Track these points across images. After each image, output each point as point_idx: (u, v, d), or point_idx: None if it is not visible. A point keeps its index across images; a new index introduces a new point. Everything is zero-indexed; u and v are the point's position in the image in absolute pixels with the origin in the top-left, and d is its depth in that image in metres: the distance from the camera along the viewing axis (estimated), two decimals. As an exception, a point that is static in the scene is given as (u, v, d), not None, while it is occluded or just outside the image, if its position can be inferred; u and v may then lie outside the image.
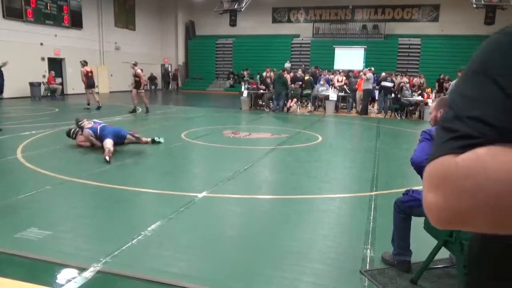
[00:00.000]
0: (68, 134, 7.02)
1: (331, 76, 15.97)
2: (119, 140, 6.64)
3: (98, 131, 6.67)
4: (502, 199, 0.46)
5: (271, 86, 14.46)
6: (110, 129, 6.72)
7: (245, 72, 16.43)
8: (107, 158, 5.97)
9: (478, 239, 0.68)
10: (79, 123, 6.89)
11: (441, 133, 0.56)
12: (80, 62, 13.67)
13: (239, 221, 3.87)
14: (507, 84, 0.53)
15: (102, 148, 6.72)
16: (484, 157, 0.48)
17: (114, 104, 15.95)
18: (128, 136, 6.76)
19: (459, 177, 0.49)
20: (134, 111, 12.71)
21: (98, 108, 13.26)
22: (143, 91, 12.54)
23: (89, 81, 13.40)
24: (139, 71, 12.34)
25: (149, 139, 7.04)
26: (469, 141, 0.51)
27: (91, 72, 13.67)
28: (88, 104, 13.44)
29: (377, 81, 14.50)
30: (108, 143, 6.33)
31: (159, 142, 7.26)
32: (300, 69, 16.73)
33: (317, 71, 17.19)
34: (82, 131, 6.82)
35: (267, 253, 3.08)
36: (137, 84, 12.39)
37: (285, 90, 13.91)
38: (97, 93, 16.18)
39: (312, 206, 4.30)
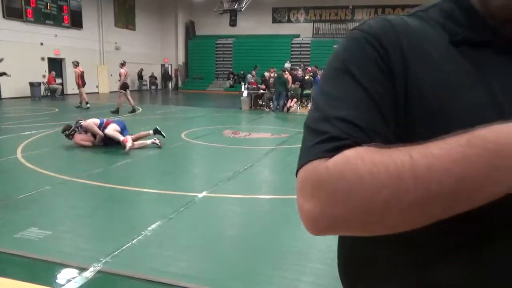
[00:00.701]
0: (65, 130, 6.86)
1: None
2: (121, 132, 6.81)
3: (105, 120, 6.92)
4: (371, 202, 0.45)
5: (272, 86, 14.47)
6: (118, 121, 7.04)
7: (254, 72, 16.27)
8: (128, 146, 6.43)
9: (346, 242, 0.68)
10: (79, 121, 6.94)
11: (309, 135, 0.54)
12: (73, 62, 13.79)
13: (239, 221, 3.87)
14: (368, 82, 0.53)
15: (101, 147, 6.75)
16: (353, 160, 0.47)
17: (114, 104, 15.93)
18: (127, 137, 6.81)
19: (331, 182, 0.47)
20: (133, 111, 12.71)
21: (79, 107, 13.36)
22: (123, 91, 12.46)
23: (83, 81, 13.63)
24: (122, 70, 12.35)
25: (143, 142, 7.02)
26: (337, 143, 0.50)
27: (83, 72, 13.81)
28: (87, 103, 13.53)
29: None
30: (114, 127, 6.67)
31: (161, 134, 7.22)
32: (300, 69, 16.72)
33: (317, 71, 17.17)
34: (80, 129, 6.85)
35: (267, 253, 3.08)
36: (123, 84, 12.39)
37: (285, 90, 13.92)
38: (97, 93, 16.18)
39: (312, 206, 4.30)
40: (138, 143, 6.91)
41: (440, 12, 0.60)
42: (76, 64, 13.57)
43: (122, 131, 6.81)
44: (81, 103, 13.71)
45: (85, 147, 6.78)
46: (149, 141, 7.01)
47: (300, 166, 0.53)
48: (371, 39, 0.56)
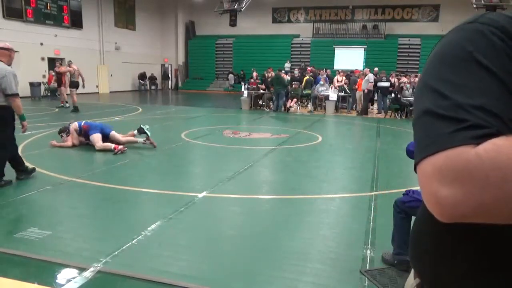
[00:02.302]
0: (62, 131, 7.07)
1: (324, 76, 15.42)
2: (105, 136, 6.77)
3: (83, 124, 6.90)
4: None
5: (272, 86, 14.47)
6: (95, 124, 6.97)
7: (268, 74, 16.03)
8: (117, 151, 6.40)
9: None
10: (70, 123, 7.09)
11: (439, 122, 0.54)
12: (59, 62, 13.84)
13: (239, 221, 3.86)
14: (498, 71, 0.54)
15: (94, 146, 6.75)
16: (506, 148, 0.48)
17: (113, 104, 15.94)
18: (113, 133, 6.83)
19: (483, 169, 0.48)
20: (75, 109, 12.56)
21: (63, 107, 13.13)
22: (74, 90, 12.58)
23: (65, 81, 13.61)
24: (69, 69, 12.56)
25: (133, 138, 7.01)
26: (482, 131, 0.50)
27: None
28: (66, 102, 13.43)
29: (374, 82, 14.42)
30: (97, 138, 6.61)
31: (145, 133, 7.06)
32: (297, 69, 16.68)
33: (315, 70, 17.13)
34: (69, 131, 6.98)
35: (267, 253, 3.08)
36: (71, 82, 12.49)
37: (283, 90, 13.86)
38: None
39: (312, 206, 4.30)
40: (126, 139, 6.95)
41: None
42: (61, 64, 13.65)
43: (104, 131, 6.81)
44: (66, 102, 13.53)
45: (84, 147, 6.80)
46: (140, 139, 7.01)
47: (433, 152, 0.53)
48: (497, 31, 0.56)
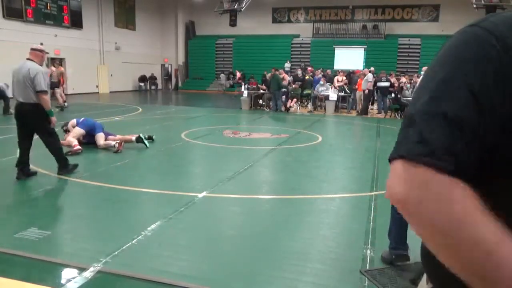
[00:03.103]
0: (64, 125, 7.21)
1: (319, 76, 15.37)
2: (90, 132, 6.81)
3: (81, 120, 6.98)
4: (457, 247, 0.53)
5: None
6: (87, 122, 7.00)
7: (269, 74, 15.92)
8: (116, 148, 6.47)
9: None
10: (67, 123, 7.16)
11: (411, 128, 0.57)
12: (54, 63, 13.88)
13: (239, 221, 3.87)
14: (475, 80, 0.55)
15: (97, 146, 6.76)
16: (458, 207, 0.52)
17: (113, 104, 15.94)
18: (101, 134, 6.83)
19: (432, 202, 0.54)
20: (62, 109, 12.79)
21: (62, 109, 12.93)
22: (56, 89, 12.85)
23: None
24: (53, 69, 12.81)
25: (133, 138, 7.00)
26: (441, 150, 0.54)
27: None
28: (65, 102, 13.41)
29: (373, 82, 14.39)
30: (77, 132, 6.74)
31: (143, 141, 6.94)
32: (299, 69, 16.69)
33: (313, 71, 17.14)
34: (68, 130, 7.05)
35: (267, 253, 3.08)
36: (52, 83, 12.58)
37: (278, 89, 13.78)
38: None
39: (312, 206, 4.30)
40: (120, 138, 6.99)
41: None
42: (60, 64, 13.72)
43: (95, 130, 6.83)
44: (65, 102, 13.44)
45: (84, 147, 6.80)
46: (133, 137, 7.01)
47: (397, 155, 0.57)
48: (493, 40, 0.56)
